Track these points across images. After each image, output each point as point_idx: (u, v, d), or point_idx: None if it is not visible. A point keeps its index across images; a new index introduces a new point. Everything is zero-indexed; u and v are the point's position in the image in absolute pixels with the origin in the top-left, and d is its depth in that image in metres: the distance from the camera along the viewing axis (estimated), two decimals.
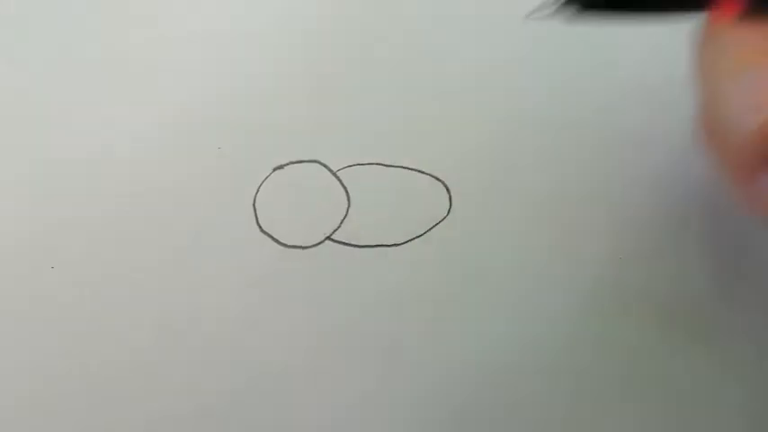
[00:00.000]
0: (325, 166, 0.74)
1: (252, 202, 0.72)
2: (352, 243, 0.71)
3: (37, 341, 0.67)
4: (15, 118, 0.76)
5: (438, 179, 0.74)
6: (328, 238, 0.71)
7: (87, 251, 0.71)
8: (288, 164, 0.74)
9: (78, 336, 0.68)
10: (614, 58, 0.79)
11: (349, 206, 0.73)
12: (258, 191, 0.73)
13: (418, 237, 0.72)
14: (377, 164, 0.74)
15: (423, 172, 0.74)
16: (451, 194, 0.73)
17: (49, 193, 0.73)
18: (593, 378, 0.68)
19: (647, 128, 0.77)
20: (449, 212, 0.73)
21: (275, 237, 0.71)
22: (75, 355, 0.67)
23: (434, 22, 0.82)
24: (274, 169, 0.74)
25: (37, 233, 0.71)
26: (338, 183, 0.73)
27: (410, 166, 0.74)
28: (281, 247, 0.71)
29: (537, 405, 0.67)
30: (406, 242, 0.72)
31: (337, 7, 0.82)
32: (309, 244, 0.71)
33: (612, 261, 0.72)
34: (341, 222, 0.72)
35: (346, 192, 0.73)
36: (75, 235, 0.71)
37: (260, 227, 0.72)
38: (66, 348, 0.67)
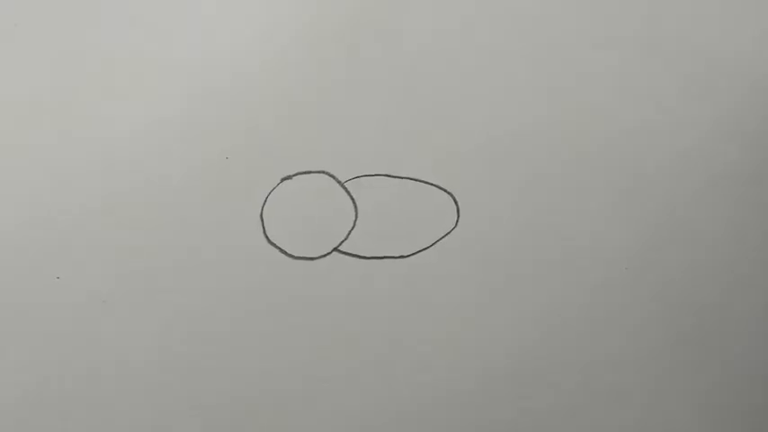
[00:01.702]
0: (332, 176, 0.74)
1: (259, 212, 0.72)
2: (360, 254, 0.71)
3: (41, 348, 0.67)
4: (20, 126, 0.76)
5: (446, 191, 0.74)
6: (336, 249, 0.71)
7: (92, 262, 0.70)
8: (296, 174, 0.74)
9: (82, 344, 0.67)
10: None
11: (356, 217, 0.73)
12: (266, 201, 0.73)
13: (426, 248, 0.72)
14: (385, 175, 0.74)
15: (431, 183, 0.74)
16: (459, 206, 0.73)
17: (56, 203, 0.73)
18: (600, 386, 0.68)
19: (650, 134, 0.77)
20: (456, 224, 0.73)
21: (282, 248, 0.71)
22: (79, 364, 0.67)
23: (443, 35, 0.82)
24: (282, 180, 0.73)
25: (42, 243, 0.71)
26: (346, 194, 0.73)
27: (418, 178, 0.74)
28: (289, 259, 0.71)
29: (544, 413, 0.67)
30: (414, 254, 0.71)
31: (346, 21, 0.82)
32: (317, 255, 0.71)
33: (618, 270, 0.72)
34: (348, 233, 0.72)
35: (354, 203, 0.73)
36: (80, 245, 0.71)
37: (267, 238, 0.71)
38: (70, 356, 0.67)
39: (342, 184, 0.73)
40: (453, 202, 0.73)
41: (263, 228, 0.71)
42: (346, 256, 0.71)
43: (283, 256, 0.71)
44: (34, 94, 0.77)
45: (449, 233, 0.72)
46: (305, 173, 0.74)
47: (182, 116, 0.76)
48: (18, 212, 0.72)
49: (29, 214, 0.72)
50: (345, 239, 0.72)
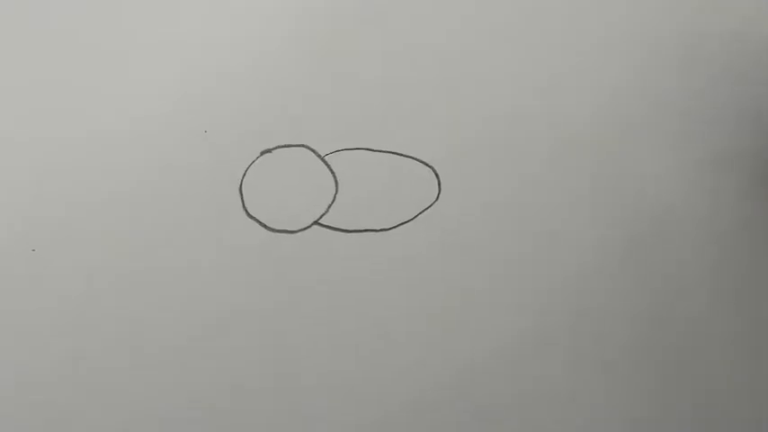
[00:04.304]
0: (312, 150, 0.73)
1: (238, 185, 0.72)
2: (341, 228, 0.71)
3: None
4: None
5: (427, 164, 0.74)
6: (316, 222, 0.71)
7: (69, 236, 0.70)
8: (275, 148, 0.73)
9: (60, 320, 0.68)
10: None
11: (337, 191, 0.72)
12: (245, 175, 0.72)
13: (407, 222, 0.71)
14: (365, 149, 0.74)
15: (411, 157, 0.74)
16: (440, 179, 0.73)
17: (35, 175, 0.73)
18: (583, 363, 0.68)
19: (642, 122, 0.78)
20: (438, 197, 0.72)
21: (262, 221, 0.71)
22: (59, 347, 0.67)
23: (422, 11, 0.82)
24: (262, 153, 0.73)
25: (19, 214, 0.71)
26: (326, 167, 0.73)
27: (398, 152, 0.74)
28: (269, 232, 0.70)
29: (522, 387, 0.67)
30: (395, 227, 0.71)
31: (329, 2, 0.82)
32: (297, 228, 0.71)
33: (601, 248, 0.72)
34: (329, 207, 0.72)
35: (334, 176, 0.73)
36: (56, 220, 0.71)
37: (246, 211, 0.71)
38: (50, 338, 0.67)
39: (322, 158, 0.73)
40: (434, 176, 0.73)
41: (243, 201, 0.71)
42: (327, 230, 0.71)
43: (263, 229, 0.70)
44: (20, 79, 0.77)
45: (430, 206, 0.72)
46: (285, 146, 0.73)
47: (160, 88, 0.76)
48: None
49: (11, 196, 0.72)
50: (326, 213, 0.71)
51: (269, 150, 0.73)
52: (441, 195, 0.72)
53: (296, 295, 0.68)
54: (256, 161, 0.73)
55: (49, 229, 0.70)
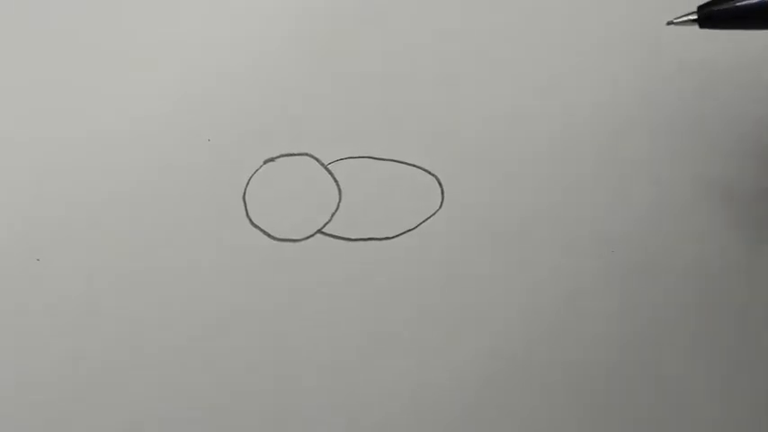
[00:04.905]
0: (316, 159, 0.73)
1: (242, 194, 0.72)
2: (344, 236, 0.71)
3: (23, 332, 0.67)
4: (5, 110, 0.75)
5: (430, 173, 0.73)
6: (320, 231, 0.71)
7: (73, 244, 0.70)
8: (279, 156, 0.73)
9: (63, 328, 0.68)
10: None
11: (340, 199, 0.72)
12: (248, 183, 0.72)
13: (410, 230, 0.71)
14: (368, 157, 0.74)
15: (415, 165, 0.74)
16: (443, 188, 0.73)
17: (35, 175, 0.73)
18: (586, 370, 0.68)
19: (642, 124, 0.77)
20: (441, 206, 0.72)
21: (266, 230, 0.71)
22: (60, 348, 0.67)
23: (422, 11, 0.82)
24: (265, 162, 0.73)
25: (19, 214, 0.71)
26: (329, 176, 0.73)
27: (402, 160, 0.74)
28: (272, 241, 0.70)
29: (524, 394, 0.67)
30: (398, 235, 0.71)
31: (329, 2, 0.81)
32: (300, 237, 0.71)
33: (604, 255, 0.72)
34: (332, 215, 0.72)
35: (337, 185, 0.73)
36: (61, 228, 0.71)
37: (250, 220, 0.71)
38: (50, 339, 0.67)
39: (325, 167, 0.73)
40: (438, 184, 0.73)
41: (246, 210, 0.71)
42: (330, 238, 0.71)
43: (266, 237, 0.70)
44: (22, 85, 0.77)
45: (433, 215, 0.72)
46: (288, 155, 0.73)
47: (163, 97, 0.76)
48: (12, 211, 0.72)
49: (16, 203, 0.72)
50: (329, 221, 0.71)
51: (272, 159, 0.73)
52: (444, 203, 0.72)
53: (297, 297, 0.69)
54: (260, 170, 0.73)
55: (49, 229, 0.70)
